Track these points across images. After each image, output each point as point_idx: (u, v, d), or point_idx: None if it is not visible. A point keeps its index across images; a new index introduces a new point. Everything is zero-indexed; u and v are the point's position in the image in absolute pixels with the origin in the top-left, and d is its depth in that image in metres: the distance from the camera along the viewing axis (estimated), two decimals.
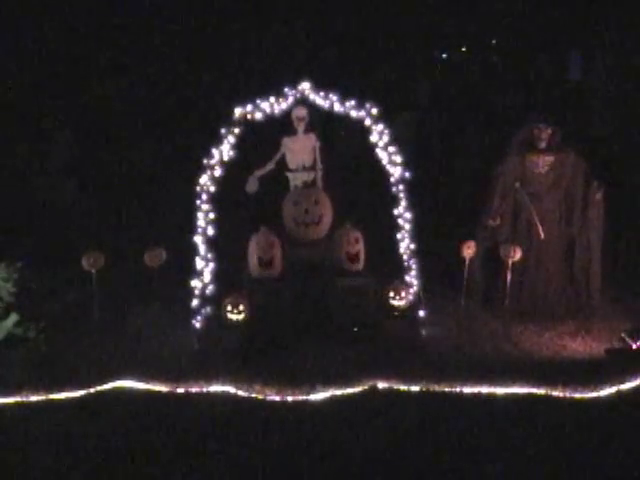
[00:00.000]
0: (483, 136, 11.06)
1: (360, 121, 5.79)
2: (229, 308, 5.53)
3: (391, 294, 5.76)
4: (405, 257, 5.99)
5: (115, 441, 4.34)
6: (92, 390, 4.96)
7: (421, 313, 5.89)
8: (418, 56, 14.97)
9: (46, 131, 10.58)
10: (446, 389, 4.95)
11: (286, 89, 5.80)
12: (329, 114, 5.85)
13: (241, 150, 5.74)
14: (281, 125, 6.24)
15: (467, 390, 4.94)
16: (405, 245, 5.96)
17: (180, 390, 4.97)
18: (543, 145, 6.32)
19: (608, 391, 4.93)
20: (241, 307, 5.54)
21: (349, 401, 4.84)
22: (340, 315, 5.81)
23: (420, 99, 13.02)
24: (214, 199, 5.72)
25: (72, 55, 12.76)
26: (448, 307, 6.41)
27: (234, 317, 5.53)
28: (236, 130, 5.71)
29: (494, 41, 16.87)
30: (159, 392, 4.97)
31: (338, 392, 4.90)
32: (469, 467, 4.11)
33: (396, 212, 5.92)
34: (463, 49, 17.18)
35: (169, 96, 12.47)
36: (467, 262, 6.39)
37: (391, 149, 5.81)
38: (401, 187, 5.86)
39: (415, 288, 5.98)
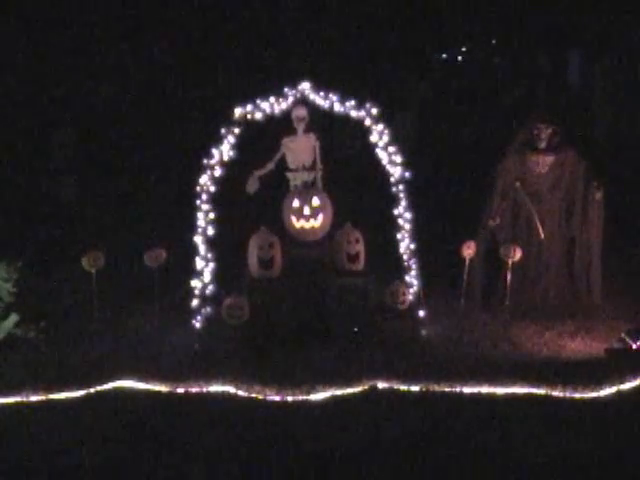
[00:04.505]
0: (483, 136, 11.07)
1: (360, 121, 5.80)
2: (229, 310, 5.54)
3: (391, 294, 5.76)
4: (405, 257, 5.99)
5: (115, 441, 4.34)
6: (92, 390, 4.96)
7: (421, 313, 5.88)
8: (418, 56, 14.99)
9: (47, 131, 10.59)
10: (446, 389, 4.94)
11: (286, 89, 5.80)
12: (329, 114, 5.85)
13: (241, 150, 5.74)
14: (279, 124, 6.23)
15: (467, 390, 4.93)
16: (405, 245, 5.96)
17: (180, 390, 4.97)
18: (543, 145, 6.32)
19: (608, 391, 4.92)
20: (241, 308, 5.55)
21: (349, 401, 4.84)
22: (340, 315, 5.80)
23: (420, 99, 13.04)
24: (214, 199, 5.72)
25: (73, 55, 12.77)
26: (448, 307, 6.41)
27: (234, 318, 5.53)
28: (236, 130, 5.71)
29: (494, 41, 16.89)
30: (159, 392, 4.97)
31: (338, 392, 4.90)
32: (469, 467, 4.10)
33: (396, 212, 5.92)
34: (463, 49, 17.20)
35: (169, 96, 12.49)
36: (467, 262, 6.39)
37: (391, 149, 5.81)
38: (401, 187, 5.86)
39: (415, 288, 5.98)
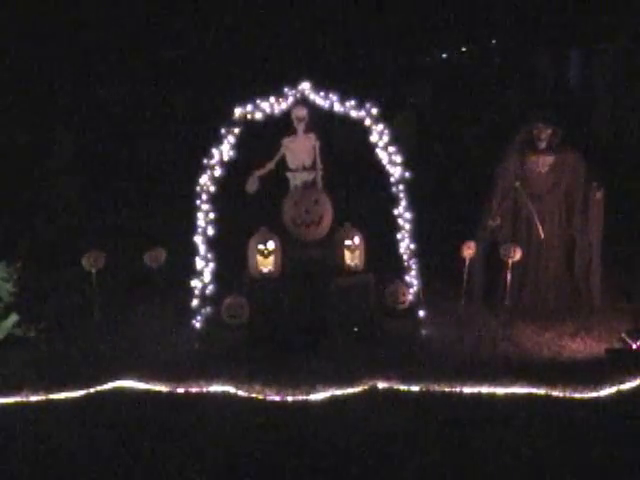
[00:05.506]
0: (483, 136, 11.08)
1: (360, 121, 5.79)
2: (229, 310, 5.54)
3: (391, 294, 5.76)
4: (405, 257, 5.98)
5: (115, 441, 4.34)
6: (92, 390, 4.96)
7: (421, 313, 5.88)
8: (418, 56, 14.99)
9: (47, 130, 10.60)
10: (446, 389, 4.94)
11: (286, 89, 5.80)
12: (329, 114, 5.84)
13: (241, 150, 5.74)
14: (279, 124, 6.23)
15: (467, 390, 4.93)
16: (405, 245, 5.96)
17: (180, 390, 4.97)
18: (543, 145, 6.31)
19: (608, 391, 4.92)
20: (241, 308, 5.55)
21: (349, 401, 4.84)
22: (340, 315, 5.81)
23: (420, 99, 13.04)
24: (214, 199, 5.73)
25: (74, 56, 12.79)
26: (448, 307, 6.41)
27: (234, 318, 5.54)
28: (236, 130, 5.71)
29: (494, 41, 16.90)
30: (159, 392, 4.97)
31: (338, 392, 4.90)
32: (469, 467, 4.10)
33: (396, 212, 5.92)
34: (463, 49, 17.20)
35: (169, 96, 12.49)
36: (467, 262, 6.39)
37: (391, 149, 5.81)
38: (401, 187, 5.86)
39: (415, 288, 5.98)
